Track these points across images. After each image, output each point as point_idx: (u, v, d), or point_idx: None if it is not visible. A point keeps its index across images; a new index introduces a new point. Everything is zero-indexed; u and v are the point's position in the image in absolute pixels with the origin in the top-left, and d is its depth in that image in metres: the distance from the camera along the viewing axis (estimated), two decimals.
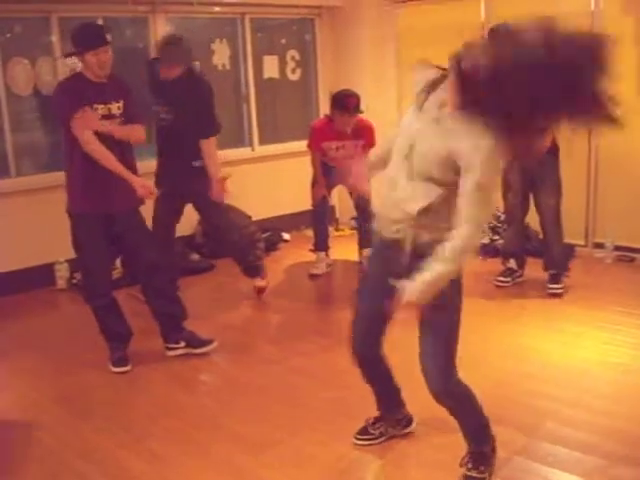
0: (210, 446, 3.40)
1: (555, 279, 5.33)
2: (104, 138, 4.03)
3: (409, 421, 3.41)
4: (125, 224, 4.23)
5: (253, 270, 5.60)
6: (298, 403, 3.82)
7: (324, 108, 7.47)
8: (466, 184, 2.45)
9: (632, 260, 6.08)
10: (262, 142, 7.56)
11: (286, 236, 7.35)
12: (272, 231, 7.11)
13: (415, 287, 2.52)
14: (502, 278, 5.60)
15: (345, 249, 6.70)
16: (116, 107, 4.15)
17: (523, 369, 4.12)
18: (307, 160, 6.13)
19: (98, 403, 3.93)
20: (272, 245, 7.02)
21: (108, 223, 4.16)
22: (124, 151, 4.17)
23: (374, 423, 3.37)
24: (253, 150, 7.48)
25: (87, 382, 4.19)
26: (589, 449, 3.21)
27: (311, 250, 6.34)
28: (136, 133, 4.26)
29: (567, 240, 5.60)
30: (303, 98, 8.10)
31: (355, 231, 6.70)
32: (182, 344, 4.49)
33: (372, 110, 6.33)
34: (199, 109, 5.02)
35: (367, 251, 6.21)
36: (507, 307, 5.21)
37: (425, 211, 2.61)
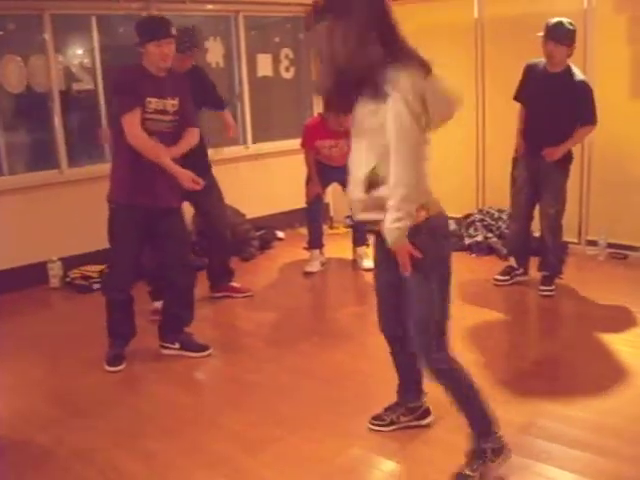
0: (208, 445, 3.40)
1: (547, 281, 5.32)
2: (153, 132, 4.06)
3: (424, 413, 3.41)
4: (164, 220, 4.23)
5: (227, 275, 5.56)
6: (296, 401, 3.81)
7: (318, 106, 7.47)
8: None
9: (625, 257, 6.10)
10: (256, 140, 7.56)
11: (280, 234, 7.35)
12: (266, 229, 7.11)
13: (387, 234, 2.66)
14: (500, 277, 5.57)
15: (339, 247, 6.70)
16: (171, 104, 4.13)
17: (516, 366, 4.14)
18: (301, 158, 6.13)
19: (93, 402, 3.91)
20: (266, 243, 7.02)
21: (147, 218, 4.16)
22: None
23: (388, 409, 3.41)
24: (247, 148, 7.48)
25: (82, 381, 4.18)
26: (583, 446, 3.22)
27: (305, 248, 6.34)
28: (192, 140, 4.33)
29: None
30: (297, 96, 8.10)
31: (349, 229, 6.70)
32: (177, 345, 4.47)
33: None
34: (210, 96, 5.27)
35: (362, 249, 6.22)
36: (501, 304, 5.23)
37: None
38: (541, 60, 5.10)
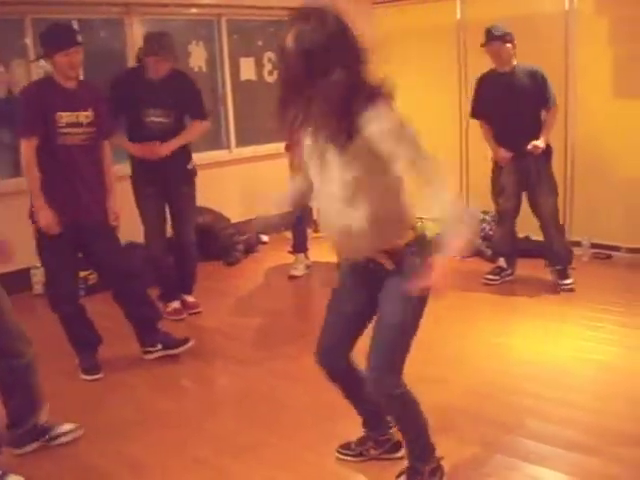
0: (192, 449, 3.37)
1: (563, 275, 5.40)
2: (70, 146, 4.00)
3: (394, 446, 3.17)
4: (92, 234, 4.16)
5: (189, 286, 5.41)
6: (280, 405, 3.80)
7: None
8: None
9: (609, 257, 6.13)
10: (239, 144, 7.53)
11: (265, 238, 7.33)
12: (251, 233, 7.09)
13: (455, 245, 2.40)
14: (491, 276, 5.64)
15: (324, 251, 6.67)
16: (84, 115, 4.05)
17: (504, 367, 4.14)
18: (285, 162, 6.11)
19: (77, 408, 3.86)
20: (251, 247, 7.00)
21: (73, 232, 4.07)
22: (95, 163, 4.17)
23: (358, 441, 3.22)
24: (230, 152, 7.45)
25: (65, 387, 4.13)
26: (572, 445, 3.23)
27: (290, 252, 6.33)
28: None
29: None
30: None
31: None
32: (159, 346, 4.44)
33: None
34: (193, 104, 5.05)
35: None
36: (490, 305, 5.24)
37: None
38: (489, 69, 5.34)
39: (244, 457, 3.29)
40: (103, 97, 4.30)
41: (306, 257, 6.29)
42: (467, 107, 6.80)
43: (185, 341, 4.48)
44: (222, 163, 7.19)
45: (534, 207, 5.38)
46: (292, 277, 6.12)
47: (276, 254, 6.83)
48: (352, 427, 3.42)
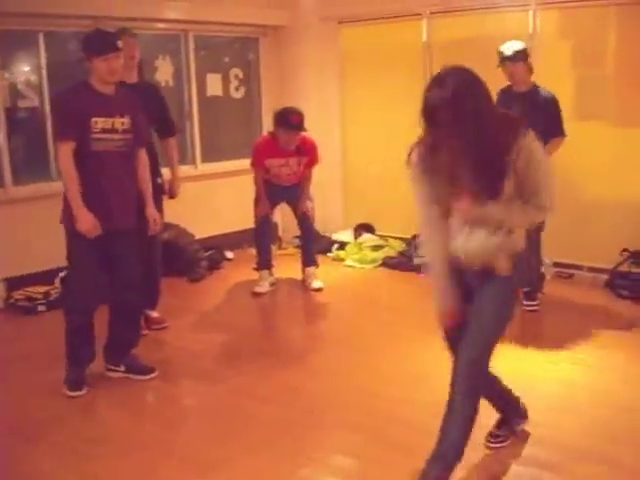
0: (158, 468, 3.33)
1: (530, 296, 5.42)
2: (102, 152, 3.98)
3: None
4: (119, 241, 4.14)
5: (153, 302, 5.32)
6: (246, 423, 3.77)
7: (267, 126, 7.46)
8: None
9: (570, 276, 6.21)
10: (205, 160, 7.51)
11: (229, 254, 7.30)
12: (215, 249, 7.06)
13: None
14: None
15: (289, 267, 6.68)
16: (120, 122, 4.04)
17: None
18: (250, 178, 6.12)
19: (40, 427, 3.78)
20: (215, 263, 6.96)
21: (103, 239, 4.03)
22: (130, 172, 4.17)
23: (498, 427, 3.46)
24: (196, 168, 7.42)
25: (27, 405, 4.05)
26: (527, 461, 3.26)
27: (255, 268, 6.31)
28: (145, 165, 4.32)
29: None
30: (246, 116, 8.09)
31: (298, 249, 6.68)
32: (122, 368, 4.38)
33: (315, 129, 6.34)
34: (162, 114, 5.07)
35: (311, 269, 6.21)
36: None
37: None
38: (507, 84, 5.31)
39: (210, 475, 3.27)
40: (140, 104, 4.26)
41: (270, 274, 6.27)
42: None
43: (150, 370, 4.38)
44: (187, 178, 7.15)
45: None
46: (256, 294, 6.09)
47: (240, 270, 6.80)
48: (318, 443, 3.43)
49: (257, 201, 6.09)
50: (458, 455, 2.94)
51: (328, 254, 7.21)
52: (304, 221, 6.18)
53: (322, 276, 6.27)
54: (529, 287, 5.44)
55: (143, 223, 4.38)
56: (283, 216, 7.61)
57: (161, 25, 7.03)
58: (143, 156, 4.28)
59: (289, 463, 3.32)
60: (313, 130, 6.10)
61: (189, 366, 4.64)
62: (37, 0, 5.80)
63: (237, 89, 7.83)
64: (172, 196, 5.27)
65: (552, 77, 6.02)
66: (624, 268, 5.80)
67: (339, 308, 5.77)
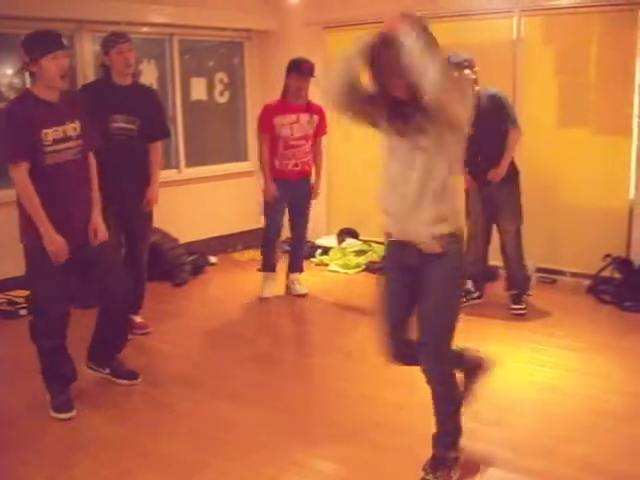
0: (139, 474, 3.31)
1: (517, 299, 5.46)
2: (60, 165, 3.73)
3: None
4: (89, 252, 3.91)
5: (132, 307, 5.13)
6: (228, 428, 3.76)
7: (252, 130, 7.46)
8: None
9: (554, 282, 6.23)
10: (189, 164, 7.48)
11: (213, 259, 7.27)
12: (198, 254, 7.03)
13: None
14: None
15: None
16: (72, 128, 3.78)
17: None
18: (234, 183, 6.11)
19: (19, 434, 3.75)
20: (199, 268, 6.93)
21: (74, 255, 3.80)
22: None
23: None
24: (180, 172, 7.40)
25: (7, 411, 4.01)
26: (512, 467, 3.27)
27: (259, 270, 6.25)
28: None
29: (490, 262, 5.73)
30: (231, 121, 8.08)
31: (286, 254, 6.59)
32: (107, 370, 4.32)
33: None
34: (156, 113, 5.01)
35: (295, 275, 6.19)
36: None
37: None
38: None
39: (191, 478, 3.25)
40: (84, 104, 4.00)
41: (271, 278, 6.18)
42: None
43: (135, 376, 4.33)
44: (171, 183, 7.13)
45: (499, 232, 5.44)
46: (262, 299, 6.04)
47: (224, 276, 6.79)
48: (303, 448, 3.42)
49: (266, 181, 5.84)
50: (458, 432, 3.14)
51: (312, 259, 7.21)
52: (301, 225, 6.13)
53: (306, 281, 6.26)
54: (517, 289, 5.47)
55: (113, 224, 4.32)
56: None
57: (146, 29, 7.00)
58: (92, 160, 4.00)
59: (273, 468, 3.31)
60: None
61: (172, 371, 4.62)
62: (21, 3, 5.77)
63: (222, 93, 7.81)
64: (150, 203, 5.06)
65: (535, 84, 6.07)
66: (607, 273, 5.84)
67: (323, 313, 5.77)
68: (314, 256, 7.27)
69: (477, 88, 5.16)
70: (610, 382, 4.24)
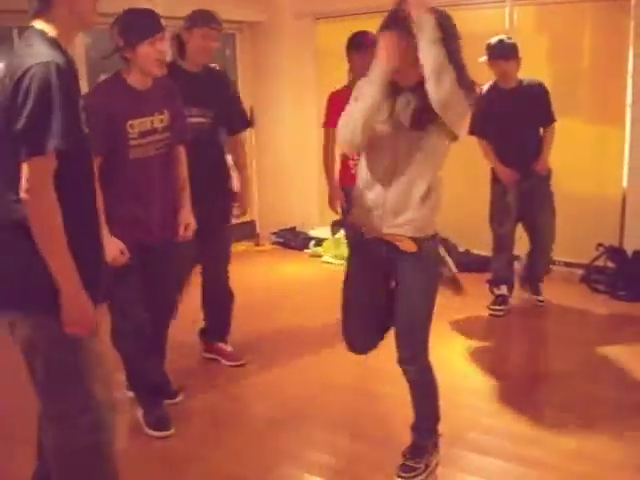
0: (133, 467, 3.29)
1: (537, 290, 5.40)
2: (141, 162, 3.32)
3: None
4: (158, 255, 3.50)
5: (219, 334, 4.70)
6: (221, 420, 3.77)
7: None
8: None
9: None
10: None
11: None
12: None
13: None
14: (497, 307, 5.24)
15: (266, 265, 6.66)
16: (159, 119, 3.36)
17: (445, 381, 4.16)
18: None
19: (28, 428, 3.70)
20: None
21: (144, 255, 3.42)
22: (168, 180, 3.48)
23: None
24: None
25: (8, 412, 3.88)
26: (512, 457, 3.27)
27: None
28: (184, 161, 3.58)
29: (479, 252, 5.71)
30: None
31: (275, 246, 6.54)
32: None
33: (291, 125, 6.32)
34: (233, 103, 4.29)
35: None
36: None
37: None
38: (489, 83, 5.04)
39: (182, 471, 3.26)
40: (176, 92, 3.52)
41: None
42: None
43: (174, 395, 3.93)
44: None
45: (534, 228, 5.24)
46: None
47: None
48: (298, 440, 3.43)
49: (331, 190, 4.83)
50: (436, 418, 3.14)
51: (305, 250, 7.21)
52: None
53: (299, 272, 6.23)
54: (540, 281, 5.40)
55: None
56: (260, 212, 7.59)
57: None
58: (182, 155, 3.57)
59: (269, 460, 3.32)
60: (289, 127, 6.08)
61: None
62: None
63: None
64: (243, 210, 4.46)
65: (528, 73, 6.05)
66: (600, 263, 5.84)
67: (317, 304, 5.75)
68: (308, 247, 7.27)
69: (519, 77, 4.99)
70: (603, 371, 4.25)
